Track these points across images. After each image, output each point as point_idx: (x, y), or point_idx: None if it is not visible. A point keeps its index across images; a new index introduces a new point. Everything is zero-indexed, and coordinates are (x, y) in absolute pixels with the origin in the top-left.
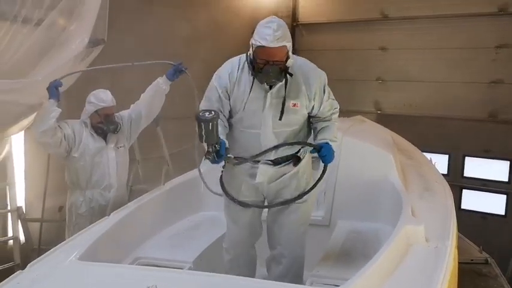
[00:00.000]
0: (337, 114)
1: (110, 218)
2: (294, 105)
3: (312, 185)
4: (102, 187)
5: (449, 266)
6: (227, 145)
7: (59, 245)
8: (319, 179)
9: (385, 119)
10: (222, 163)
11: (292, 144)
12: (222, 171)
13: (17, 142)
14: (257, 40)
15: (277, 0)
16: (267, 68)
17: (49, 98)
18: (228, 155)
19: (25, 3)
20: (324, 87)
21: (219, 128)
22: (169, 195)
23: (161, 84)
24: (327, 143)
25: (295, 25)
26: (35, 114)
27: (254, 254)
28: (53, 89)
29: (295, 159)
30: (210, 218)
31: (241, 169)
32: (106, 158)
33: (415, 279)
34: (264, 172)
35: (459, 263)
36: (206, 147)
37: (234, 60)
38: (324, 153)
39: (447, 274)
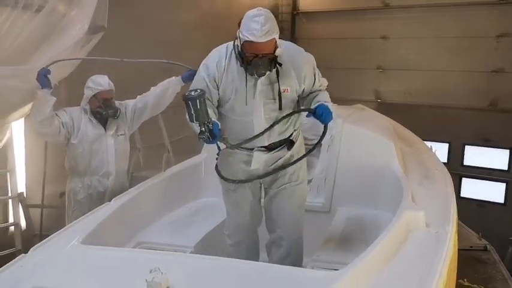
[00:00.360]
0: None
1: (112, 203)
2: (284, 90)
3: (313, 146)
4: (101, 174)
5: (449, 251)
6: (220, 127)
7: (62, 229)
8: (320, 140)
9: (385, 108)
10: (217, 151)
11: (288, 116)
12: (216, 158)
13: (17, 128)
14: (245, 35)
15: None
16: (257, 61)
17: (41, 88)
18: (223, 136)
19: None
20: (314, 70)
21: (209, 110)
22: (169, 182)
23: (175, 83)
24: (321, 104)
25: (295, 13)
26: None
27: (256, 239)
28: (42, 77)
29: (289, 143)
30: (211, 204)
31: (236, 157)
32: (105, 145)
33: (415, 264)
34: (259, 159)
35: (459, 249)
36: (198, 127)
37: (221, 49)
38: (320, 112)
39: (447, 259)
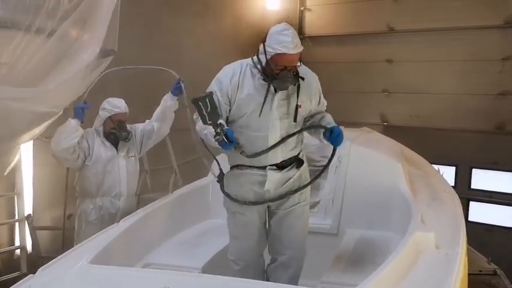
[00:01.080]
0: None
1: (120, 224)
2: (299, 106)
3: (322, 167)
4: (113, 195)
5: (460, 273)
6: (234, 135)
7: (70, 250)
8: (329, 162)
9: (392, 131)
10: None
11: (304, 130)
12: (218, 181)
13: (26, 151)
14: (276, 48)
15: (283, 13)
16: (285, 74)
17: (74, 118)
18: (239, 144)
19: (39, 14)
20: (320, 89)
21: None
22: (177, 203)
23: (167, 100)
24: (337, 126)
25: (301, 38)
26: (47, 123)
27: (263, 262)
28: (79, 110)
29: (298, 161)
30: (218, 225)
31: (249, 178)
32: (117, 166)
33: (426, 286)
34: (273, 178)
35: (469, 274)
36: (213, 130)
37: (235, 65)
38: (337, 132)
39: (457, 281)
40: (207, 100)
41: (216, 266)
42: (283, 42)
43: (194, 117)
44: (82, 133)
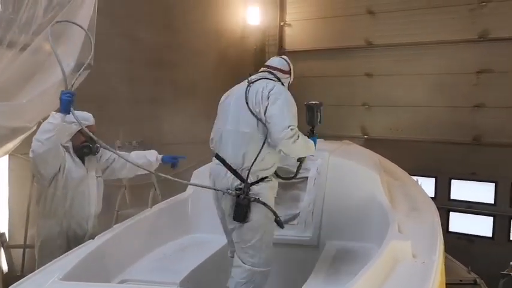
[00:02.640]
0: None
1: (95, 240)
2: None
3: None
4: (81, 217)
5: (436, 281)
6: None
7: (42, 267)
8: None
9: (372, 144)
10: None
11: None
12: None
13: (0, 167)
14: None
15: (264, 29)
16: None
17: (59, 111)
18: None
19: (11, 28)
20: None
21: None
22: (156, 218)
23: (153, 161)
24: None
25: (282, 53)
26: (20, 138)
27: None
28: (66, 101)
29: None
30: (198, 240)
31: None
32: (87, 187)
33: None
34: None
35: (449, 283)
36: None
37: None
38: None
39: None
40: (321, 108)
41: (194, 280)
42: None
43: None
44: (60, 119)
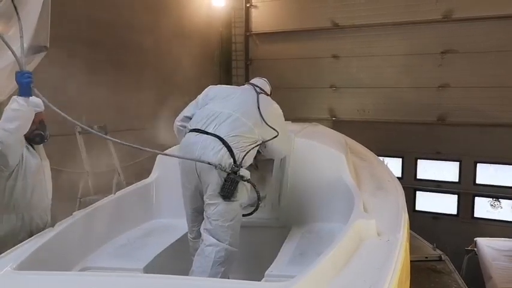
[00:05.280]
0: None
1: (54, 228)
2: None
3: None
4: (42, 208)
5: (401, 257)
6: None
7: None
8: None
9: (340, 125)
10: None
11: None
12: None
13: None
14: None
15: (229, 11)
16: None
17: (19, 95)
18: None
19: None
20: None
21: None
22: (119, 204)
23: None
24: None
25: (248, 35)
26: None
27: None
28: (26, 84)
29: None
30: (162, 225)
31: None
32: (43, 176)
33: (367, 271)
34: None
35: (415, 260)
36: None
37: None
38: None
39: (398, 264)
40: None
41: (159, 266)
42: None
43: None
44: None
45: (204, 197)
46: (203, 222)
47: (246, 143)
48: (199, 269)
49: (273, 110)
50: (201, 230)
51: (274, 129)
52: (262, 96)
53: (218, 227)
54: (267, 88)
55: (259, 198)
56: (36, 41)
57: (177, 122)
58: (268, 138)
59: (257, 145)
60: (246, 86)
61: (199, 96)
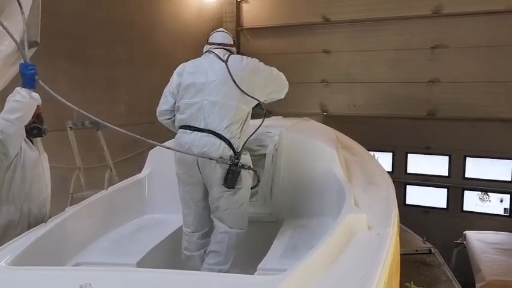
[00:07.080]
0: None
1: (47, 223)
2: None
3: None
4: (40, 200)
5: (391, 250)
6: None
7: None
8: None
9: (331, 120)
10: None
11: None
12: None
13: None
14: None
15: (221, 6)
16: None
17: (22, 86)
18: None
19: None
20: None
21: None
22: (111, 199)
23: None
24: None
25: (239, 29)
26: None
27: None
28: (30, 75)
29: None
30: (154, 220)
31: None
32: (42, 169)
33: (358, 264)
34: None
35: (405, 253)
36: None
37: None
38: None
39: (388, 257)
40: None
41: (152, 261)
42: None
43: None
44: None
45: (210, 190)
46: (213, 211)
47: (238, 125)
48: (214, 254)
49: (245, 69)
50: (212, 217)
51: (254, 98)
52: (230, 61)
53: (229, 215)
54: (230, 40)
55: (259, 180)
56: (27, 36)
57: (160, 118)
58: (256, 102)
59: (249, 113)
60: (211, 56)
61: (173, 83)
